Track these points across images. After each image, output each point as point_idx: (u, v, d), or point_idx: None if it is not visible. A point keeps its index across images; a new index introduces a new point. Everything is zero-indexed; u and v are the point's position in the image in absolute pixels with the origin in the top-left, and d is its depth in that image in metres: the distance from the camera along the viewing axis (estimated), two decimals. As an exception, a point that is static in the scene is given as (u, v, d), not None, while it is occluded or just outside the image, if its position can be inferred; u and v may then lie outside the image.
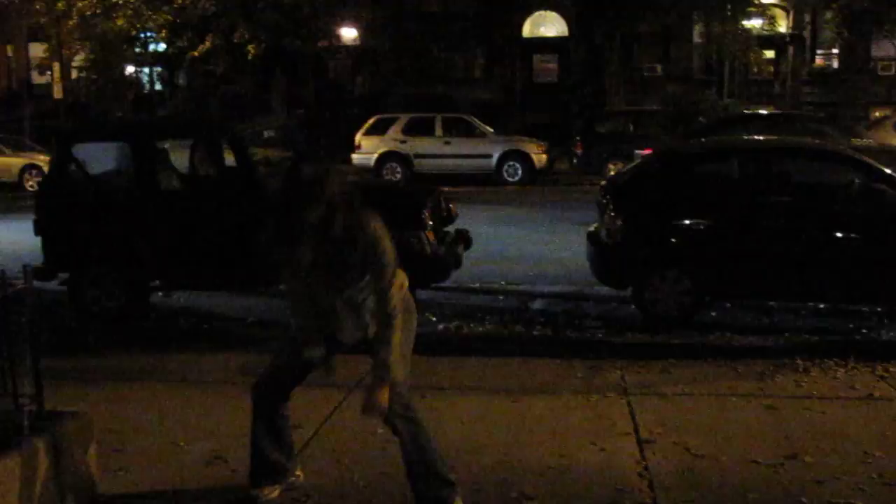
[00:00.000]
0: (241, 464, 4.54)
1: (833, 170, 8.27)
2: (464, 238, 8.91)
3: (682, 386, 5.86)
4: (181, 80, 29.42)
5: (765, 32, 27.37)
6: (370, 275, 3.73)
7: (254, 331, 7.53)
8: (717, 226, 7.68)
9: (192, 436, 4.98)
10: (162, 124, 11.50)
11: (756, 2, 26.68)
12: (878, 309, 7.82)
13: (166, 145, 8.80)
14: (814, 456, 4.59)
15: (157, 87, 30.50)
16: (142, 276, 8.06)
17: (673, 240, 7.80)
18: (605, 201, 8.21)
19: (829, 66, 29.80)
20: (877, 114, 25.24)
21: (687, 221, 7.79)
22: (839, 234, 7.52)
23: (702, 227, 7.74)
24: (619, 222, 7.87)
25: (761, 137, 10.85)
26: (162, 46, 27.80)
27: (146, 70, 30.21)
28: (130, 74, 29.64)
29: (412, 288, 6.94)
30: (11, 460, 3.59)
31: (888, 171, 7.93)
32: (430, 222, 7.99)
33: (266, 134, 9.43)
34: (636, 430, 5.00)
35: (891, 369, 6.17)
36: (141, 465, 4.58)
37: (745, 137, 11.40)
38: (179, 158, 8.91)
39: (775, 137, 11.01)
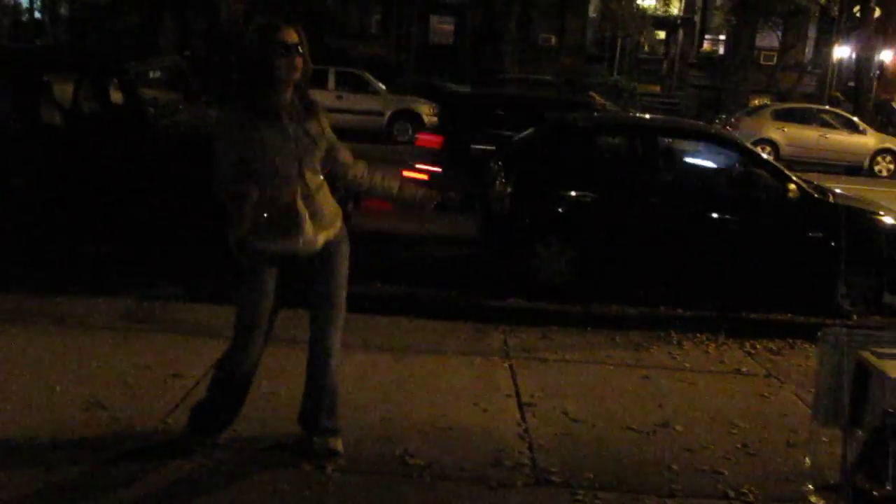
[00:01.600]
0: (120, 410, 4.46)
1: (717, 152, 8.62)
2: (353, 195, 8.85)
3: (561, 352, 6.04)
4: (63, 10, 28.01)
5: (658, 13, 28.04)
6: (341, 156, 3.88)
7: (139, 279, 7.29)
8: (602, 199, 7.89)
9: (68, 380, 4.82)
10: (47, 55, 10.91)
11: (651, -18, 27.32)
12: (749, 289, 8.19)
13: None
14: (684, 425, 4.82)
15: (37, 15, 28.95)
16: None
17: (559, 209, 7.97)
18: (495, 168, 8.30)
19: (716, 51, 30.81)
20: (755, 102, 26.31)
21: (573, 192, 7.97)
22: (716, 216, 7.85)
23: (587, 198, 7.94)
24: (508, 189, 7.98)
25: (651, 116, 11.15)
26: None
27: (26, -5, 28.67)
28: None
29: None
30: None
31: (765, 157, 8.31)
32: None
33: (152, 74, 9.12)
34: (517, 394, 5.13)
35: (758, 346, 6.52)
36: (14, 409, 4.41)
37: (636, 115, 11.70)
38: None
39: (664, 117, 11.34)
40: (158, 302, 6.51)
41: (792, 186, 7.79)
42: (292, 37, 3.61)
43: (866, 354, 3.49)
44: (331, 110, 18.63)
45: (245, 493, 3.74)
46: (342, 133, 14.97)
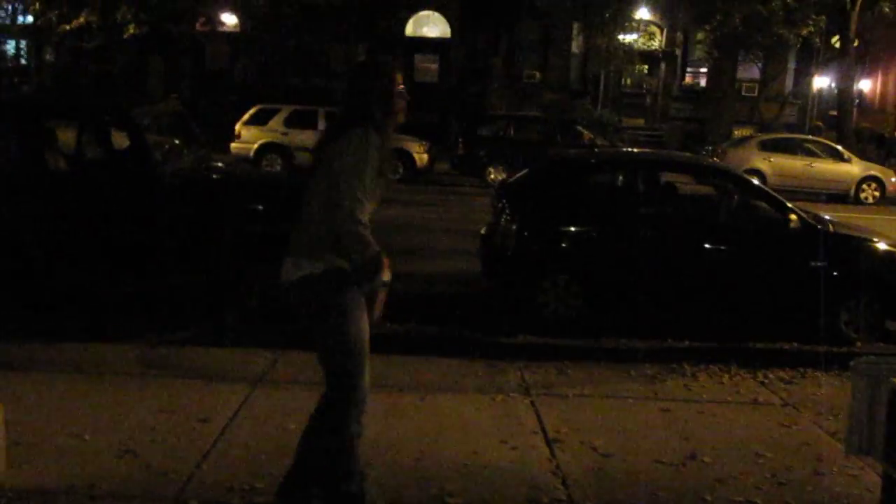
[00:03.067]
0: (153, 458, 4.46)
1: (718, 185, 8.75)
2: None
3: (579, 387, 6.08)
4: (49, 56, 28.08)
5: (640, 48, 28.42)
6: None
7: (145, 324, 7.28)
8: (605, 233, 8.00)
9: (95, 429, 4.81)
10: (51, 102, 10.92)
11: (634, 18, 27.68)
12: (753, 319, 8.28)
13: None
14: (711, 456, 4.86)
15: (23, 61, 29.01)
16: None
17: (564, 245, 8.07)
18: (500, 205, 8.38)
19: (698, 83, 31.22)
20: (738, 133, 26.66)
21: (577, 228, 8.08)
22: (719, 248, 7.95)
23: (591, 234, 8.06)
24: (513, 226, 8.05)
25: (651, 150, 11.30)
26: (30, 18, 26.46)
27: (11, 42, 28.69)
28: (-8, 46, 28.18)
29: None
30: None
31: (765, 188, 8.45)
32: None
33: (146, 120, 9.16)
34: (543, 430, 5.16)
35: (769, 376, 6.58)
36: (45, 458, 4.40)
37: (636, 150, 11.85)
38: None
39: (664, 151, 11.49)
40: (171, 347, 6.52)
41: (793, 217, 7.91)
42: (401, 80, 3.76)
43: (902, 382, 3.55)
44: (323, 151, 18.23)
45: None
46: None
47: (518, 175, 9.47)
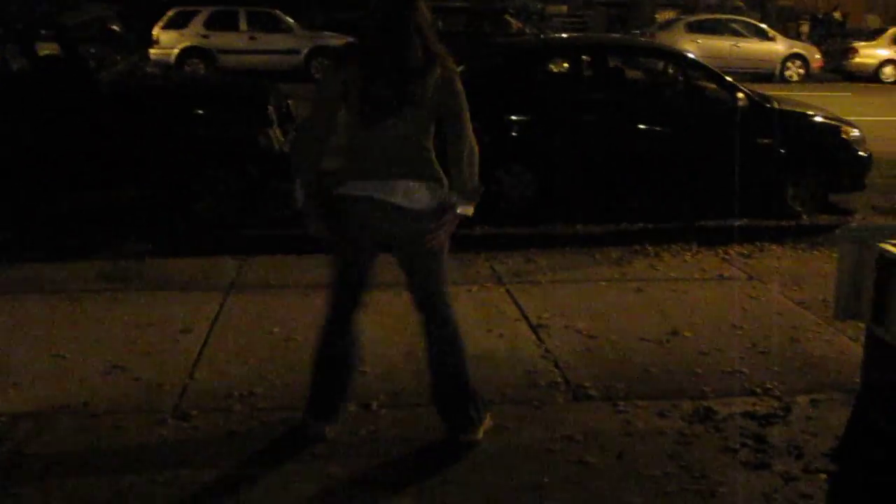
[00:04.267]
0: (143, 371, 4.39)
1: (667, 67, 8.75)
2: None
3: (551, 274, 6.16)
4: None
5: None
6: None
7: (98, 238, 7.08)
8: (554, 120, 7.97)
9: (74, 348, 4.70)
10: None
11: None
12: (703, 197, 8.43)
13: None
14: (691, 331, 5.00)
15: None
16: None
17: (515, 134, 8.04)
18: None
19: (619, -34, 30.90)
20: (662, 16, 26.62)
21: (527, 117, 8.04)
22: (669, 129, 8.02)
23: (540, 122, 8.02)
24: (464, 118, 7.97)
25: (598, 35, 11.22)
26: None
27: None
28: None
29: (261, 187, 6.73)
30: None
31: (714, 69, 8.50)
32: (275, 119, 7.78)
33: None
34: (525, 317, 5.23)
35: (730, 252, 6.75)
36: (31, 380, 4.29)
37: (579, 34, 11.75)
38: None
39: (610, 35, 11.42)
40: (130, 261, 6.37)
41: (741, 96, 7.99)
42: None
43: (889, 247, 3.65)
44: (245, 52, 18.09)
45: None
46: (260, 74, 14.51)
47: (461, 67, 9.32)
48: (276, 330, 4.95)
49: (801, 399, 4.14)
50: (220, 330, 4.99)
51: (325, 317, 3.68)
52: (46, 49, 8.26)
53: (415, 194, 3.40)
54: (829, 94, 17.95)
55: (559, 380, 4.31)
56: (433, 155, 3.46)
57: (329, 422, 3.73)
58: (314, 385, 3.69)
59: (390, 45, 3.34)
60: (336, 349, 3.67)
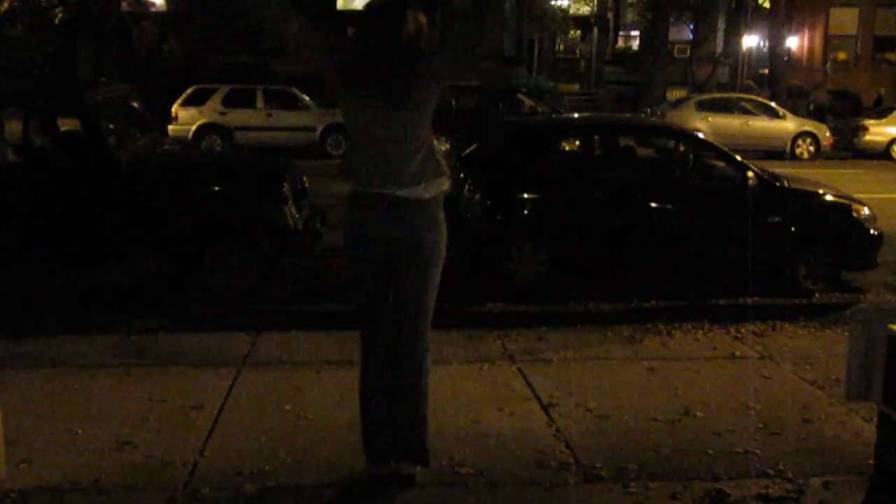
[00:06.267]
0: (153, 448, 4.40)
1: (676, 146, 8.87)
2: (320, 212, 8.84)
3: (562, 352, 6.16)
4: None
5: (572, 13, 28.59)
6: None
7: (114, 313, 7.13)
8: (566, 199, 8.04)
9: (87, 422, 4.71)
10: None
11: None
12: (715, 275, 8.46)
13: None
14: (703, 411, 4.97)
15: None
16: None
17: (527, 213, 8.13)
18: (462, 175, 8.39)
19: (630, 47, 31.53)
20: (673, 94, 27.02)
21: (538, 195, 8.13)
22: (680, 207, 8.10)
23: (552, 200, 8.10)
24: (477, 196, 8.08)
25: (609, 114, 11.39)
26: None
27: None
28: None
29: (276, 261, 6.84)
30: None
31: (723, 148, 8.61)
32: (290, 196, 7.88)
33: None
34: (536, 395, 5.21)
35: (742, 330, 6.74)
36: (43, 456, 4.30)
37: (590, 114, 11.93)
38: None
39: (620, 115, 11.59)
40: (145, 335, 6.41)
41: (750, 174, 8.07)
42: None
43: (898, 328, 3.66)
44: (262, 129, 18.44)
45: None
46: (276, 150, 14.63)
47: (475, 145, 9.47)
48: (287, 407, 4.96)
49: (815, 482, 4.10)
50: (232, 406, 5.01)
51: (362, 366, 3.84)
52: (67, 126, 8.47)
53: (417, 187, 3.65)
54: (840, 171, 18.06)
55: (570, 460, 4.29)
56: (433, 149, 3.71)
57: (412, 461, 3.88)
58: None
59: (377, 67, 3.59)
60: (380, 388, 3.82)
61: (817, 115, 24.55)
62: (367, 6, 3.71)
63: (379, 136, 3.64)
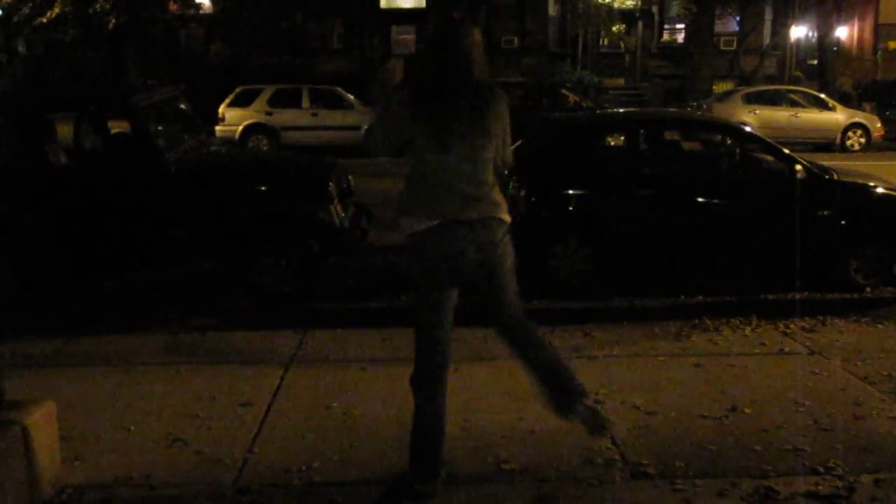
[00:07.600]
0: (203, 445, 4.47)
1: (723, 140, 8.77)
2: (366, 211, 8.90)
3: (608, 348, 6.13)
4: (21, 48, 27.64)
5: (617, 7, 28.35)
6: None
7: (162, 312, 7.25)
8: (611, 194, 8.01)
9: (138, 420, 4.81)
10: (49, 94, 10.72)
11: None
12: (763, 270, 8.35)
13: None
14: (751, 408, 4.92)
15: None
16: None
17: (572, 209, 8.09)
18: (506, 172, 8.38)
19: (675, 40, 31.18)
20: (719, 87, 26.70)
21: (583, 191, 8.10)
22: (727, 202, 8.01)
23: (597, 196, 8.06)
24: (521, 193, 8.06)
25: (653, 109, 11.32)
26: (-1, 11, 26.03)
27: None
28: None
29: (323, 260, 6.89)
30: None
31: (771, 141, 8.49)
32: (336, 195, 7.95)
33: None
34: (582, 392, 5.19)
35: (791, 326, 6.65)
36: (96, 452, 4.40)
37: (635, 109, 11.85)
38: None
39: (665, 109, 11.50)
40: (195, 334, 6.52)
41: (799, 167, 7.95)
42: None
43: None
44: (308, 128, 18.62)
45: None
46: (322, 150, 14.76)
47: (518, 142, 9.45)
48: (334, 404, 5.01)
49: (866, 479, 4.04)
50: (280, 404, 5.07)
51: (414, 377, 3.89)
52: (117, 128, 8.64)
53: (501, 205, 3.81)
54: (891, 163, 17.72)
55: (616, 457, 4.29)
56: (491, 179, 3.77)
57: (436, 477, 3.83)
58: (417, 451, 3.80)
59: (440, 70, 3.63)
60: (431, 409, 3.84)
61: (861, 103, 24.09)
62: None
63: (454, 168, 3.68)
